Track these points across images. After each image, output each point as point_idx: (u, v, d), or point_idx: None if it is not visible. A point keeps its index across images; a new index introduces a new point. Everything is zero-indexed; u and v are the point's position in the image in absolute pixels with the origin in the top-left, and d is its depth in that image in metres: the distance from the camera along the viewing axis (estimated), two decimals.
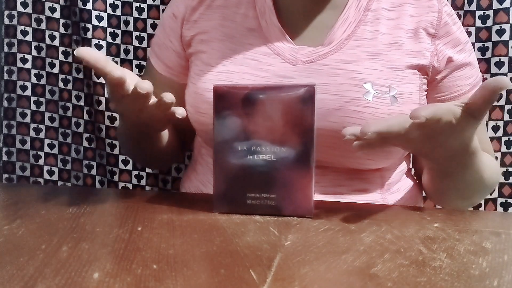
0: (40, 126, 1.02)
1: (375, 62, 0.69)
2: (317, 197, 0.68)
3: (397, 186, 0.75)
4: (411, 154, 0.83)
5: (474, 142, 0.60)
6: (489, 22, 0.88)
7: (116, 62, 0.97)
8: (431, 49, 0.71)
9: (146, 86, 0.56)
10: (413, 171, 0.84)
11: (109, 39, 0.96)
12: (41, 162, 1.03)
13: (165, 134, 0.76)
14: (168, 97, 0.57)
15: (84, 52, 0.56)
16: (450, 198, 0.72)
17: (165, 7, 0.94)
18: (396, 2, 0.73)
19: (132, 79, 0.60)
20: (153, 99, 0.60)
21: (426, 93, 0.73)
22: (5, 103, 1.03)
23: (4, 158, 1.04)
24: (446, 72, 0.73)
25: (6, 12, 1.00)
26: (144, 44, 0.97)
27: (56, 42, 1.00)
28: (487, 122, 0.90)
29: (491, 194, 0.92)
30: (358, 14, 0.71)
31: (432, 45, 0.71)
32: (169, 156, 0.85)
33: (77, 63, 0.99)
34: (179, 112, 0.58)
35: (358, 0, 0.72)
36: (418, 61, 0.70)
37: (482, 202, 0.93)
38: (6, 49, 1.01)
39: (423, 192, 0.85)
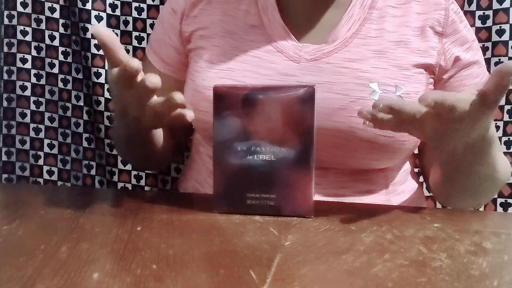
0: (39, 126, 1.02)
1: (381, 61, 0.68)
2: (319, 199, 0.67)
3: (402, 187, 0.75)
4: (416, 153, 0.81)
5: (491, 130, 0.58)
6: (489, 22, 0.88)
7: None
8: (438, 47, 0.70)
9: (154, 80, 0.54)
10: (416, 170, 0.83)
11: None
12: (40, 162, 1.03)
13: (160, 135, 0.74)
14: (179, 97, 0.55)
15: (101, 32, 0.54)
16: (459, 197, 0.70)
17: None
18: None
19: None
20: (158, 98, 0.58)
21: None
22: (5, 103, 1.02)
23: (4, 158, 1.04)
24: (453, 71, 0.71)
25: (6, 12, 1.00)
26: (144, 44, 0.97)
27: (56, 42, 0.99)
28: None
29: None
30: (363, 12, 0.70)
31: (439, 43, 0.70)
32: (164, 157, 0.82)
33: (77, 63, 0.99)
34: (190, 115, 0.56)
35: None
36: (424, 60, 0.69)
37: None
38: (5, 49, 1.01)
39: (427, 192, 0.85)
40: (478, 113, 0.53)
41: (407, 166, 0.77)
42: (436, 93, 0.52)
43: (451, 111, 0.52)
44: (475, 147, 0.59)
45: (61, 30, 0.99)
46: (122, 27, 0.97)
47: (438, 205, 0.90)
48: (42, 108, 1.02)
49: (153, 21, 0.96)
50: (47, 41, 1.00)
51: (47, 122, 1.02)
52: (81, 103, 1.00)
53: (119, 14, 0.97)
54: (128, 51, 0.97)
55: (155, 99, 0.58)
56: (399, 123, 0.54)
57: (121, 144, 0.80)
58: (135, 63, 0.54)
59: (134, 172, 1.00)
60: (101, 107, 0.97)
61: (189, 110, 0.56)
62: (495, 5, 0.87)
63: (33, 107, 1.02)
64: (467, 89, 0.55)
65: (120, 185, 1.00)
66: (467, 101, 0.52)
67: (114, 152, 0.99)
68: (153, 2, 0.96)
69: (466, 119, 0.53)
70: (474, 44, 0.73)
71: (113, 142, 0.96)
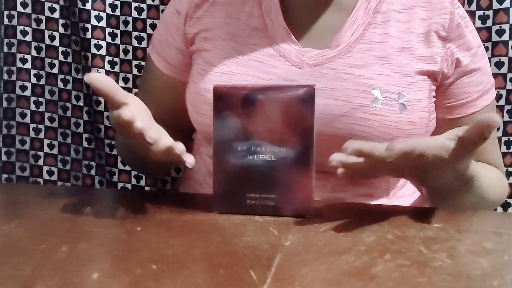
0: (39, 126, 1.02)
1: (384, 67, 0.67)
2: None
3: (403, 191, 0.74)
4: None
5: (470, 169, 0.59)
6: (489, 22, 0.88)
7: (116, 62, 0.97)
8: (441, 53, 0.69)
9: (154, 136, 0.54)
10: None
11: (108, 39, 0.96)
12: (40, 162, 1.03)
13: None
14: (179, 148, 0.55)
15: (94, 78, 0.53)
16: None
17: (165, 7, 0.94)
18: (407, 4, 0.70)
19: (137, 108, 0.57)
20: (159, 147, 0.56)
21: (434, 99, 0.71)
22: (5, 103, 1.02)
23: (4, 158, 1.04)
24: (454, 77, 0.70)
25: (6, 13, 1.00)
26: (144, 44, 0.97)
27: (56, 42, 0.99)
28: None
29: None
30: (367, 16, 0.69)
31: (443, 49, 0.69)
32: (167, 167, 0.83)
33: (77, 63, 0.99)
34: (189, 161, 0.56)
35: (367, 1, 0.70)
36: (428, 67, 0.68)
37: None
38: (5, 49, 1.01)
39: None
40: (456, 156, 0.54)
41: None
42: (404, 142, 0.51)
43: (421, 157, 0.52)
44: (453, 185, 0.59)
45: (61, 30, 0.99)
46: (122, 27, 0.97)
47: None
48: (42, 108, 1.02)
49: (153, 21, 0.96)
50: (47, 41, 1.00)
51: (47, 122, 1.02)
52: (81, 103, 1.00)
53: (119, 14, 0.97)
54: (128, 51, 0.97)
55: (156, 147, 0.56)
56: (371, 168, 0.54)
57: (124, 155, 0.82)
58: (128, 114, 0.52)
59: (134, 172, 1.00)
60: (101, 107, 0.97)
61: (189, 156, 0.56)
62: (495, 5, 0.87)
63: (33, 107, 1.02)
64: (444, 134, 0.55)
65: (120, 185, 1.00)
66: (440, 147, 0.53)
67: (114, 152, 0.99)
68: (153, 2, 0.96)
69: (439, 163, 0.54)
70: (479, 51, 0.72)
71: (117, 152, 0.97)
